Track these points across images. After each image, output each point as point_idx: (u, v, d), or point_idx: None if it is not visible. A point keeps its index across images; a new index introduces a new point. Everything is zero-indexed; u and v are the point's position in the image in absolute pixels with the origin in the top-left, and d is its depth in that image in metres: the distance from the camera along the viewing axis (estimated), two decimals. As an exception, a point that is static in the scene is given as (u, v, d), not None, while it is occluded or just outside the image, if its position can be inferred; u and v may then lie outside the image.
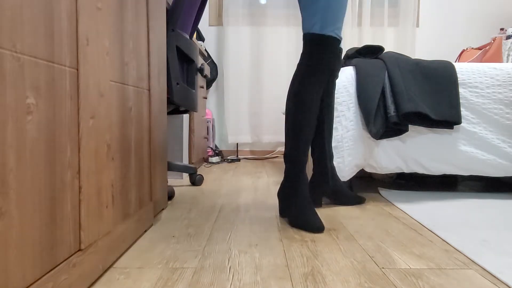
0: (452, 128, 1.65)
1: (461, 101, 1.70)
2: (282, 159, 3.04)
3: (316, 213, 1.27)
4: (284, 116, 3.14)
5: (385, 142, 1.71)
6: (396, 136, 1.66)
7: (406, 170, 1.73)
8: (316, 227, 1.22)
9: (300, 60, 1.31)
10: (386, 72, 1.68)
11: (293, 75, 1.32)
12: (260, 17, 3.31)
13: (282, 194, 1.37)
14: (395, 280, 0.87)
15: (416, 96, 1.63)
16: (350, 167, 1.65)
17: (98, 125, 0.83)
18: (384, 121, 1.62)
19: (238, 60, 3.30)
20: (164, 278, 0.87)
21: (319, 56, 1.27)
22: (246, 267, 0.94)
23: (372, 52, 1.83)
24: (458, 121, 1.63)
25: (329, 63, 1.28)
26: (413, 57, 3.12)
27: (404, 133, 1.65)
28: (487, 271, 0.92)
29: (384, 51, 1.82)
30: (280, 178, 2.31)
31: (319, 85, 1.29)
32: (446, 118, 1.62)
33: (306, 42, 1.30)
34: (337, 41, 1.28)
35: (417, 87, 1.67)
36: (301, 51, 1.40)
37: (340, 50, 1.55)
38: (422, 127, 1.68)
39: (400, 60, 1.74)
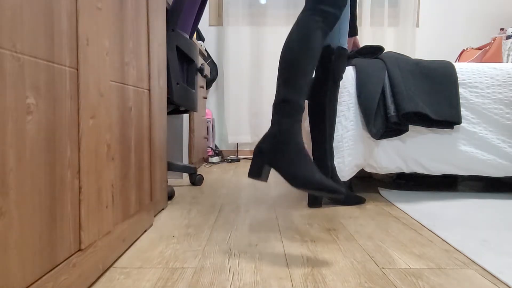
0: (452, 128, 1.65)
1: (461, 101, 1.70)
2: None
3: None
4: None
5: (385, 142, 1.71)
6: (396, 136, 1.66)
7: (406, 170, 1.73)
8: (338, 190, 1.01)
9: (305, 7, 1.23)
10: (386, 72, 1.68)
11: (298, 20, 1.24)
12: (260, 17, 3.31)
13: (270, 148, 1.08)
14: (395, 280, 0.87)
15: (416, 96, 1.63)
16: (350, 167, 1.65)
17: (98, 125, 0.83)
18: (384, 121, 1.62)
19: (238, 60, 3.30)
20: (164, 278, 0.87)
21: (330, 2, 1.20)
22: (246, 267, 0.94)
23: (372, 52, 1.83)
24: (458, 121, 1.63)
25: (337, 12, 1.22)
26: (413, 57, 3.12)
27: (404, 133, 1.65)
28: (487, 271, 0.92)
29: (384, 51, 1.83)
30: (280, 177, 2.30)
31: (325, 32, 1.22)
32: (446, 118, 1.62)
33: None
34: None
35: (417, 87, 1.67)
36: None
37: (345, 51, 1.55)
38: (422, 127, 1.68)
39: (400, 60, 1.73)
